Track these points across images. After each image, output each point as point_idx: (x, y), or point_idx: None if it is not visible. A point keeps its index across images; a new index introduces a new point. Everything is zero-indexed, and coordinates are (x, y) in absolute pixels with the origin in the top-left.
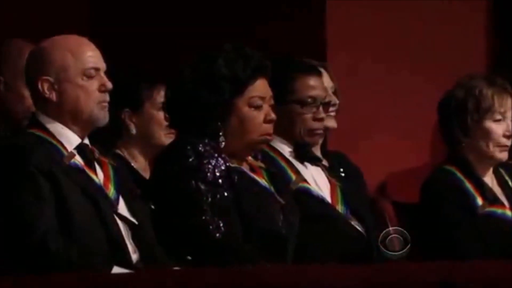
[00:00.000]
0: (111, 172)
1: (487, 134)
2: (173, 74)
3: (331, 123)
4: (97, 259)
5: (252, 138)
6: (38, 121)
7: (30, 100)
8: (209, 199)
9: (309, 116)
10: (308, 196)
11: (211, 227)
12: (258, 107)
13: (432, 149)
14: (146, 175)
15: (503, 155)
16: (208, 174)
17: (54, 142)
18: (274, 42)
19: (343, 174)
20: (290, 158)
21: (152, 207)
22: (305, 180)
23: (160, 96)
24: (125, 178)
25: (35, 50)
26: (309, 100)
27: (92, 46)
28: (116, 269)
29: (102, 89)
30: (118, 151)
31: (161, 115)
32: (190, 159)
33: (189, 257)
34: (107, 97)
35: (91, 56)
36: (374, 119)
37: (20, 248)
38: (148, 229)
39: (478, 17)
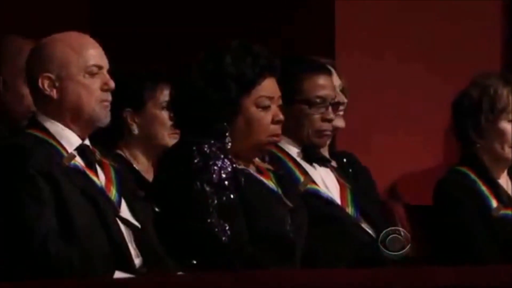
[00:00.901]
0: (112, 174)
1: (502, 135)
2: (176, 73)
3: (340, 122)
4: (99, 262)
5: (259, 139)
6: (38, 121)
7: (29, 99)
8: (215, 202)
9: (317, 116)
10: (316, 198)
11: (216, 230)
12: (265, 108)
13: (445, 150)
14: (148, 176)
15: None
16: (214, 175)
17: (54, 143)
18: (282, 41)
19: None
20: (298, 159)
21: (156, 209)
22: (313, 181)
23: (163, 95)
24: (127, 179)
25: (36, 47)
26: (318, 100)
27: (95, 44)
28: (118, 274)
29: (104, 87)
30: (120, 152)
31: (164, 114)
32: (196, 160)
33: (194, 261)
34: (109, 96)
35: (94, 53)
36: (386, 119)
37: (20, 252)
38: (151, 232)
39: (493, 15)
